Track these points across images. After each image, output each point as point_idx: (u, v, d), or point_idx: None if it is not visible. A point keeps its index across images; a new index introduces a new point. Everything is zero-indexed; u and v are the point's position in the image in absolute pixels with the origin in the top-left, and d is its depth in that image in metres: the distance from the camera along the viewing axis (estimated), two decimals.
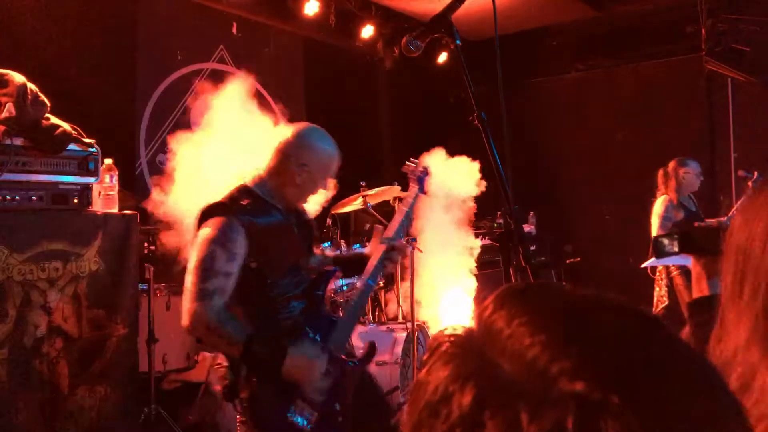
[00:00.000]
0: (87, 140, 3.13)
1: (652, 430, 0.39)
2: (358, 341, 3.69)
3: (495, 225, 5.65)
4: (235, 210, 2.21)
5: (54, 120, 3.10)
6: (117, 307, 3.12)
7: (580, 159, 6.32)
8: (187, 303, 2.13)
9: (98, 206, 3.17)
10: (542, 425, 0.39)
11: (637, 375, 0.41)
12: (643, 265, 4.74)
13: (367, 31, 5.92)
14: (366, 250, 2.63)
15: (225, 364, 2.25)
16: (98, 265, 3.06)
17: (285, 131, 2.38)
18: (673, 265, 4.60)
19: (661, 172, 4.81)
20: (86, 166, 3.10)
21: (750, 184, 4.81)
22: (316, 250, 2.61)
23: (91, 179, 3.12)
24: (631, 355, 0.42)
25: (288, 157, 2.30)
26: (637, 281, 5.00)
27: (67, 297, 2.92)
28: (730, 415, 0.44)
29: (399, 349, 4.02)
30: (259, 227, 2.22)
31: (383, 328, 4.29)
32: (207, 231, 2.17)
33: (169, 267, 4.26)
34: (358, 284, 2.47)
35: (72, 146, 3.05)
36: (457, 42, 1.78)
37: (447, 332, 0.50)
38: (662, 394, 0.41)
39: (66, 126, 3.09)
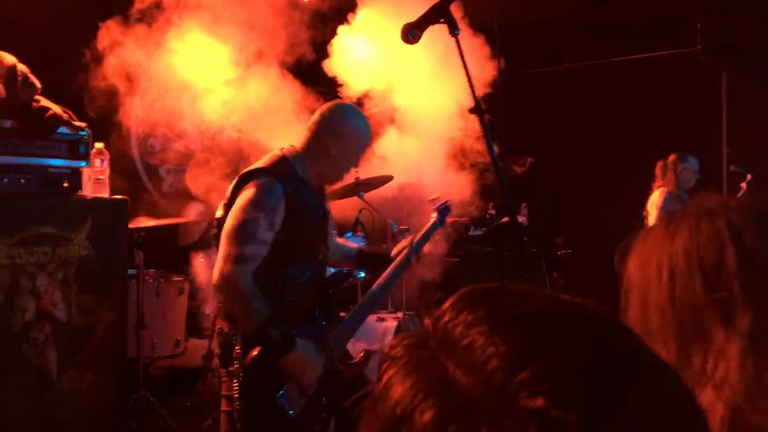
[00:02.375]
0: (78, 123, 3.09)
1: None
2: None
3: (487, 216, 5.65)
4: (281, 177, 2.22)
5: (44, 102, 3.05)
6: (106, 292, 3.09)
7: (571, 151, 6.32)
8: (222, 263, 2.12)
9: (88, 191, 3.14)
10: None
11: (597, 390, 0.39)
12: None
13: None
14: (392, 252, 2.65)
15: (225, 330, 2.23)
16: (87, 250, 3.03)
17: (322, 107, 2.42)
18: None
19: (660, 164, 4.81)
20: (77, 149, 3.06)
21: (743, 185, 4.84)
22: (340, 240, 2.64)
23: (82, 163, 3.09)
24: (591, 368, 0.40)
25: (324, 129, 2.33)
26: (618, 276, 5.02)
27: (56, 282, 2.89)
28: (699, 429, 0.43)
29: (389, 339, 4.02)
30: (297, 204, 2.23)
31: (373, 317, 4.29)
32: (251, 192, 2.16)
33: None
34: (368, 292, 2.53)
35: (62, 129, 3.01)
36: (456, 32, 1.76)
37: (404, 340, 0.48)
38: (623, 410, 0.39)
39: (57, 108, 3.04)
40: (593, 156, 6.24)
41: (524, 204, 6.25)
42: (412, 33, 1.83)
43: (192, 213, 4.21)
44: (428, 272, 3.75)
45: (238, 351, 2.11)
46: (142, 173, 4.90)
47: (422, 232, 2.68)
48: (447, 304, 0.47)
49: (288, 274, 2.24)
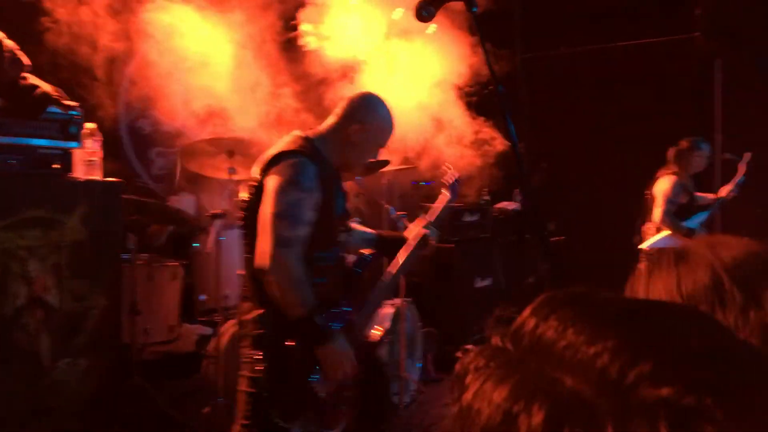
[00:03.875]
0: (68, 102, 2.99)
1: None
2: None
3: (481, 201, 5.61)
4: (313, 159, 2.19)
5: (33, 80, 2.95)
6: (100, 277, 3.02)
7: (563, 136, 6.29)
8: (271, 247, 2.07)
9: (80, 172, 3.04)
10: None
11: (724, 376, 0.40)
12: (643, 245, 4.75)
13: None
14: (406, 233, 2.66)
15: (256, 311, 2.19)
16: (80, 234, 2.94)
17: (351, 95, 2.43)
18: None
19: (673, 151, 4.78)
20: (67, 129, 2.96)
21: (741, 167, 4.83)
22: (357, 226, 2.61)
23: (73, 144, 2.99)
24: (710, 356, 0.41)
25: (351, 116, 2.33)
26: (619, 259, 5.01)
27: (48, 267, 2.81)
28: None
29: (387, 325, 3.98)
30: (326, 185, 2.21)
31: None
32: (288, 173, 2.12)
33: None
34: (385, 276, 2.52)
35: (52, 108, 2.91)
36: (474, 9, 1.70)
37: (480, 352, 0.48)
38: (753, 395, 0.39)
39: (46, 87, 2.94)
40: (585, 141, 6.23)
41: (517, 190, 6.23)
42: (427, 10, 1.76)
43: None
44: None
45: (293, 340, 2.10)
46: (131, 155, 4.79)
47: (437, 211, 2.68)
48: (527, 313, 0.47)
49: (315, 257, 2.20)
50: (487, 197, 5.67)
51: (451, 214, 4.97)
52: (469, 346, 4.95)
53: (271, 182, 2.13)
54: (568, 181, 6.27)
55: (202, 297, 3.87)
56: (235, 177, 3.53)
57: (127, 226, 3.52)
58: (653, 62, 5.91)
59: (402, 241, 2.63)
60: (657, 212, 4.61)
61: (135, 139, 4.75)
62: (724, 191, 4.87)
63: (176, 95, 4.67)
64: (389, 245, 2.67)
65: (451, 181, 2.75)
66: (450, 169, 2.80)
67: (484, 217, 5.61)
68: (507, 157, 4.81)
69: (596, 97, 6.14)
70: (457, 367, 0.49)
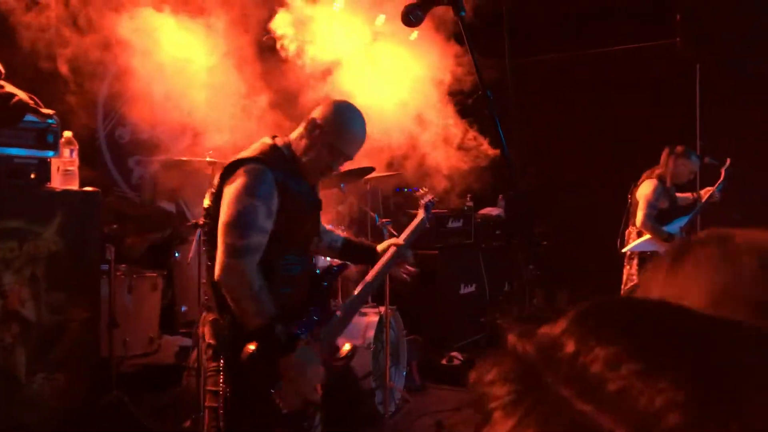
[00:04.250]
0: (45, 111, 2.92)
1: None
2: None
3: (465, 208, 5.61)
4: (272, 165, 2.13)
5: (9, 88, 2.87)
6: (78, 289, 2.94)
7: (545, 141, 6.31)
8: (224, 256, 2.02)
9: (57, 182, 2.97)
10: None
11: None
12: (625, 249, 4.77)
13: None
14: (379, 247, 2.62)
15: (221, 321, 2.12)
16: (58, 246, 2.87)
17: (322, 102, 2.36)
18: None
19: (666, 150, 4.79)
20: (44, 138, 2.89)
21: (722, 171, 4.86)
22: (328, 227, 2.56)
23: (50, 153, 2.92)
24: None
25: (317, 125, 2.25)
26: (604, 264, 5.03)
27: (24, 279, 2.73)
28: None
29: (371, 334, 3.94)
30: (290, 192, 2.15)
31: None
32: (243, 180, 2.07)
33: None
34: (358, 288, 2.47)
35: (29, 117, 2.83)
36: (462, 13, 1.68)
37: (499, 376, 0.40)
38: None
39: (22, 95, 2.87)
40: (567, 146, 6.26)
41: (501, 195, 6.24)
42: (414, 15, 1.74)
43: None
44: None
45: (252, 348, 2.02)
46: (110, 164, 4.70)
47: (410, 229, 2.65)
48: (560, 330, 0.39)
49: (280, 266, 2.15)
50: (470, 203, 5.67)
51: (435, 221, 4.95)
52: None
53: (228, 190, 2.08)
54: (552, 186, 6.29)
55: (184, 308, 3.80)
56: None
57: (105, 237, 3.44)
58: (638, 67, 5.96)
59: (369, 250, 2.60)
60: (639, 216, 4.63)
61: (113, 148, 4.66)
62: (705, 193, 4.88)
63: (155, 104, 4.61)
64: (357, 253, 2.63)
65: (426, 202, 2.73)
66: (425, 191, 2.79)
67: (467, 223, 5.60)
68: (490, 162, 4.82)
69: (580, 102, 6.18)
70: (475, 383, 0.42)
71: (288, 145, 2.25)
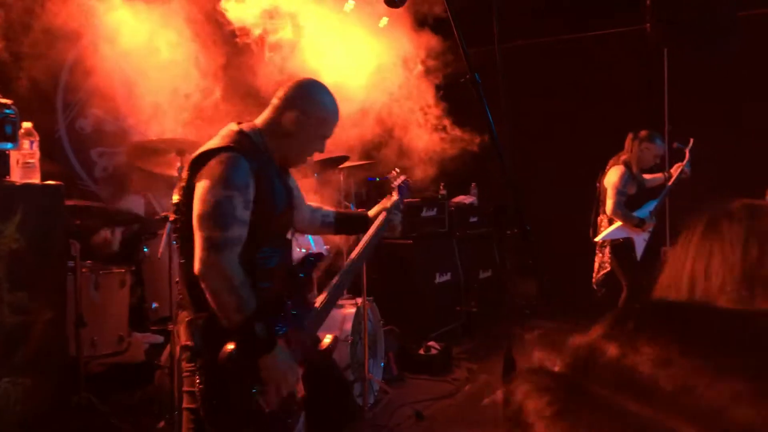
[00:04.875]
0: (2, 100, 2.76)
1: None
2: None
3: (439, 196, 5.57)
4: (245, 153, 2.02)
5: None
6: (42, 288, 2.80)
7: (516, 128, 6.30)
8: (203, 251, 1.92)
9: (17, 176, 2.82)
10: None
11: None
12: (597, 239, 4.78)
13: None
14: (370, 212, 2.52)
15: (198, 320, 2.02)
16: (19, 243, 2.72)
17: (288, 82, 2.23)
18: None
19: (630, 136, 4.78)
20: (2, 130, 2.73)
21: (687, 152, 4.87)
22: (315, 205, 2.46)
23: (8, 145, 2.77)
24: None
25: (289, 105, 2.15)
26: (578, 251, 5.05)
27: None
28: None
29: (348, 326, 3.88)
30: (264, 181, 2.04)
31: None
32: (217, 170, 1.95)
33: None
34: (338, 277, 2.36)
35: None
36: None
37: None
38: None
39: None
40: (538, 133, 6.26)
41: (474, 183, 6.22)
42: None
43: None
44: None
45: (230, 348, 1.93)
46: (72, 157, 4.52)
47: (381, 216, 2.49)
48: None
49: (258, 259, 2.06)
50: (443, 192, 5.64)
51: (408, 210, 4.90)
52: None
53: (200, 182, 1.97)
54: (522, 173, 6.28)
55: (155, 305, 3.67)
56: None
57: (69, 233, 3.29)
58: (608, 53, 5.97)
59: (362, 218, 2.50)
60: (609, 204, 4.64)
61: (75, 140, 4.48)
62: (676, 170, 4.83)
63: (119, 92, 4.44)
64: (349, 223, 2.56)
65: (399, 183, 2.62)
66: (398, 172, 2.67)
67: (441, 211, 5.57)
68: (463, 150, 4.78)
69: (548, 88, 6.18)
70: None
71: (257, 132, 2.14)
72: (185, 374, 2.08)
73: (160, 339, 3.89)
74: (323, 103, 2.21)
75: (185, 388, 2.08)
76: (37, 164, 2.94)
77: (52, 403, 2.86)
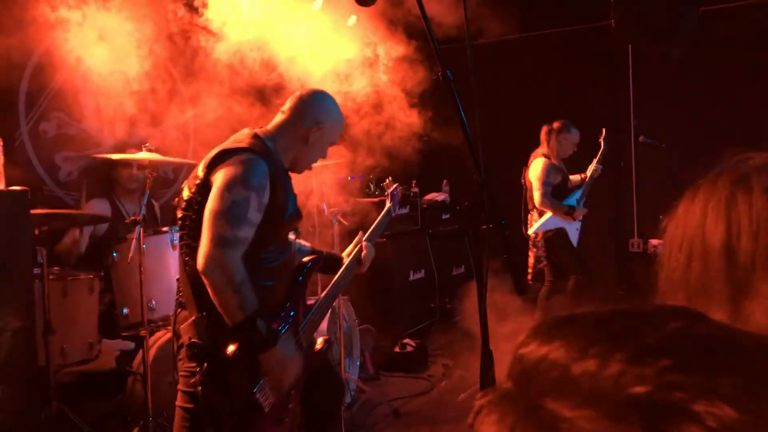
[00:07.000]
0: None
1: None
2: None
3: (411, 194, 5.58)
4: (264, 157, 2.07)
5: None
6: (9, 297, 2.73)
7: (485, 124, 6.35)
8: (209, 247, 1.93)
9: None
10: None
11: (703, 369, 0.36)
12: (530, 231, 4.81)
13: None
14: (343, 254, 2.68)
15: (202, 320, 2.02)
16: None
17: (300, 91, 2.33)
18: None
19: (545, 128, 4.81)
20: None
21: (601, 140, 4.88)
22: (293, 237, 2.51)
23: None
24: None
25: (304, 115, 2.24)
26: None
27: None
28: None
29: (324, 325, 3.86)
30: (280, 185, 2.10)
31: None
32: (237, 170, 1.99)
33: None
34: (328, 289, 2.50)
35: None
36: None
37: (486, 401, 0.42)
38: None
39: None
40: (506, 128, 6.31)
41: (445, 180, 6.25)
42: None
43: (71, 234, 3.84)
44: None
45: (233, 348, 1.94)
46: (35, 161, 4.41)
47: (376, 222, 2.75)
48: (527, 339, 0.41)
49: (263, 258, 2.09)
50: (415, 189, 5.65)
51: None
52: (407, 340, 4.87)
53: (218, 179, 2.00)
54: (485, 170, 6.33)
55: (125, 311, 3.60)
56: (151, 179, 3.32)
57: (35, 239, 3.21)
58: (573, 49, 6.05)
59: (336, 259, 2.61)
60: (536, 196, 4.68)
61: (38, 144, 4.37)
62: (590, 170, 4.89)
63: (81, 96, 4.35)
64: (324, 263, 2.61)
65: (392, 191, 2.83)
66: (390, 180, 2.89)
67: (414, 209, 5.58)
68: (434, 147, 4.79)
69: (513, 85, 6.23)
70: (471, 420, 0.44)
71: (270, 137, 2.19)
72: (182, 373, 2.10)
73: (131, 345, 3.82)
74: (335, 114, 2.33)
75: (181, 388, 2.11)
76: (2, 170, 2.86)
77: (23, 414, 2.79)
